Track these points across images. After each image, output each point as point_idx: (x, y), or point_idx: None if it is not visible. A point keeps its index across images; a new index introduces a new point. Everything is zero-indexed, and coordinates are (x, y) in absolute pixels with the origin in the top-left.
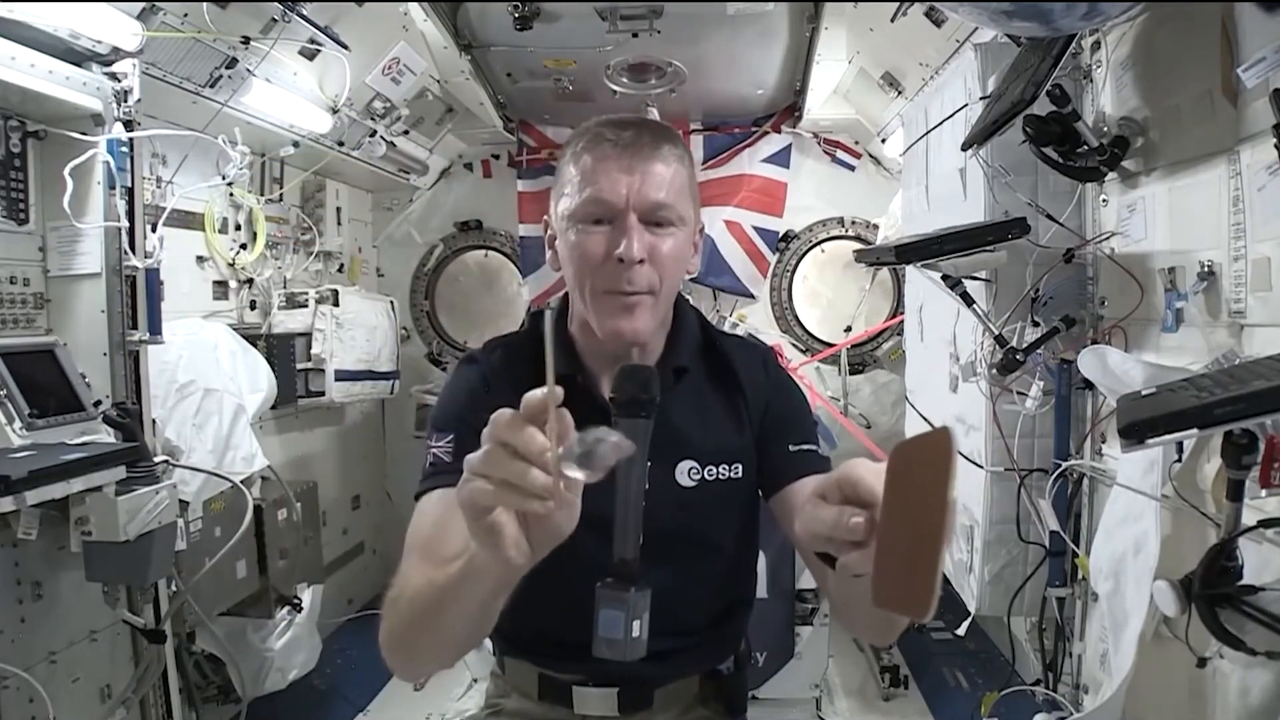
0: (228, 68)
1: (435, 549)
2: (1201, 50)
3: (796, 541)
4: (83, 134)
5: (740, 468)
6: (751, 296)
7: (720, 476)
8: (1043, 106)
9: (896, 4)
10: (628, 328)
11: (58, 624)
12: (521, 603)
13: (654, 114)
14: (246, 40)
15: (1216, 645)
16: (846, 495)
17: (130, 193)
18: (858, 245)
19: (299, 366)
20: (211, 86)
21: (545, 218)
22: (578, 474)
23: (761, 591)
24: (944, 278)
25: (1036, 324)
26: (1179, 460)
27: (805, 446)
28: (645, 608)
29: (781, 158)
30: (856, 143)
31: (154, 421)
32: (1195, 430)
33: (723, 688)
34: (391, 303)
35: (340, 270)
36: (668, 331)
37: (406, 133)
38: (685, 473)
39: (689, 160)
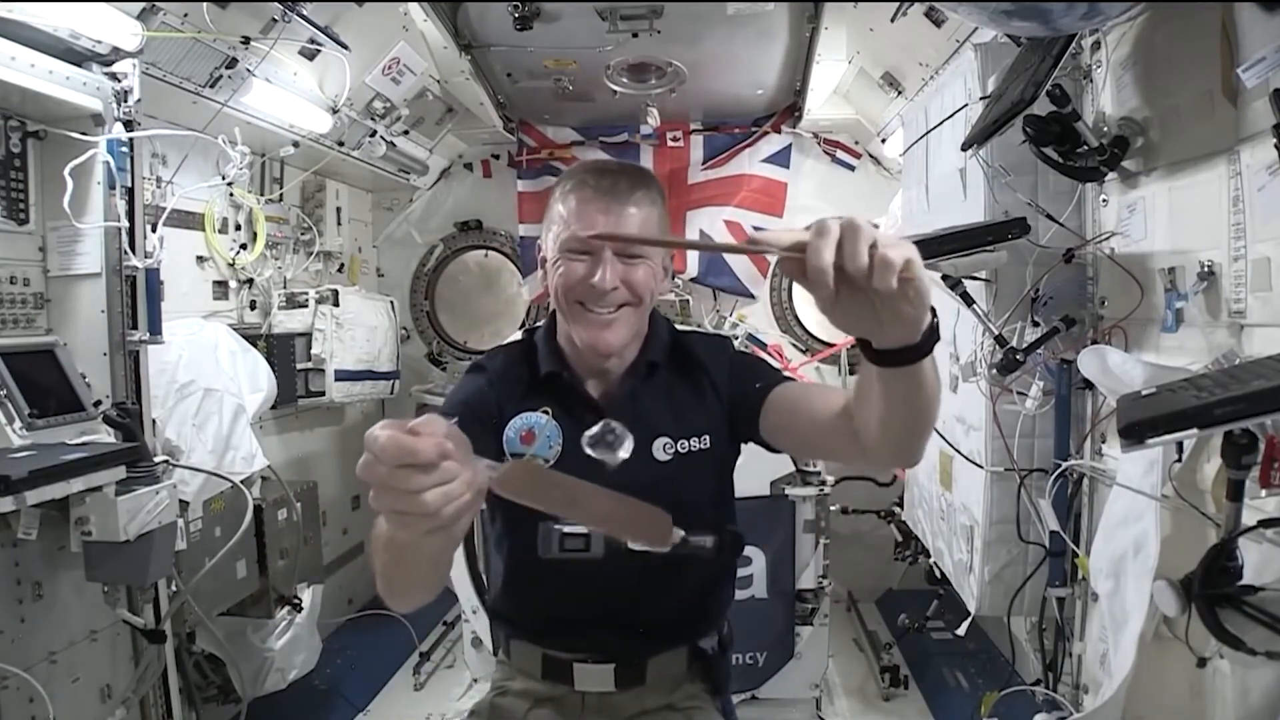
0: (228, 68)
1: None
2: (1201, 50)
3: (801, 431)
4: (83, 134)
5: (708, 439)
6: (751, 296)
7: (692, 449)
8: (1043, 106)
9: (896, 4)
10: (602, 341)
11: (58, 624)
12: (525, 589)
13: (654, 114)
14: (246, 40)
15: (1216, 645)
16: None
17: (130, 193)
18: None
19: (299, 366)
20: (211, 86)
21: (539, 243)
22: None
23: (761, 591)
24: (944, 278)
25: (1036, 324)
26: (1179, 460)
27: (772, 380)
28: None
29: (781, 158)
30: (856, 143)
31: (154, 421)
32: (1195, 430)
33: (708, 667)
34: (391, 303)
35: (340, 270)
36: (643, 339)
37: (406, 133)
38: (660, 448)
39: (661, 201)
